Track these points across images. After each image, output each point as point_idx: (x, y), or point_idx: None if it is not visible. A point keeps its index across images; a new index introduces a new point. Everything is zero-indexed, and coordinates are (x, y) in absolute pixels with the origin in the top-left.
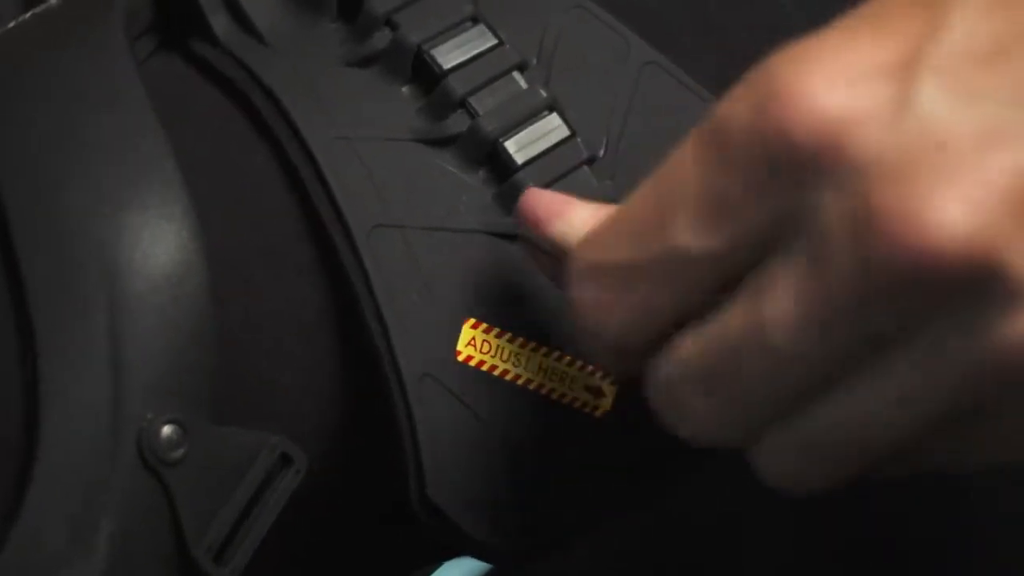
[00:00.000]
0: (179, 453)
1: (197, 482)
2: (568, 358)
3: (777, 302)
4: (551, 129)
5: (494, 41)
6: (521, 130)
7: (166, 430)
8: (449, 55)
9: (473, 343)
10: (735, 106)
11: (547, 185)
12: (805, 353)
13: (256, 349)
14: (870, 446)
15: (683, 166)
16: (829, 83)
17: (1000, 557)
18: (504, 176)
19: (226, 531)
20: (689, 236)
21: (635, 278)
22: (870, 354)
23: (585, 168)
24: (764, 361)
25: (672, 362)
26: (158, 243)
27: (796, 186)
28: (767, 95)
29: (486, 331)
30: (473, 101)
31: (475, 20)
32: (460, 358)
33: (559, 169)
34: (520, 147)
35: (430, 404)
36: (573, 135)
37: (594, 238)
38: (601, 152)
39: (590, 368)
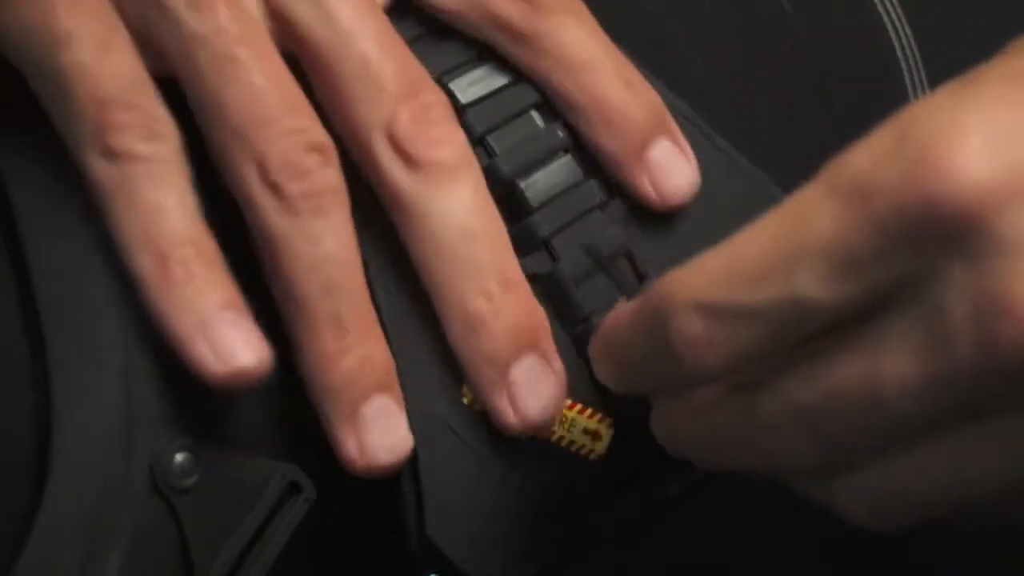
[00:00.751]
0: (190, 481)
1: (207, 510)
2: (569, 401)
3: (895, 362)
4: (566, 171)
5: (510, 77)
6: (537, 171)
7: (178, 458)
8: (468, 90)
9: None
10: (881, 164)
11: (561, 229)
12: (916, 412)
13: None
14: (960, 495)
15: (816, 217)
16: (982, 152)
17: (999, 557)
18: (518, 216)
19: (234, 559)
20: (816, 288)
21: (750, 321)
22: (979, 415)
23: (598, 212)
24: (873, 412)
25: (779, 403)
26: None
27: (931, 251)
28: (918, 158)
29: None
30: (491, 140)
31: (489, 54)
32: (466, 401)
33: (573, 212)
34: (535, 189)
35: (433, 443)
36: (588, 178)
37: (706, 277)
38: (615, 196)
39: (590, 411)
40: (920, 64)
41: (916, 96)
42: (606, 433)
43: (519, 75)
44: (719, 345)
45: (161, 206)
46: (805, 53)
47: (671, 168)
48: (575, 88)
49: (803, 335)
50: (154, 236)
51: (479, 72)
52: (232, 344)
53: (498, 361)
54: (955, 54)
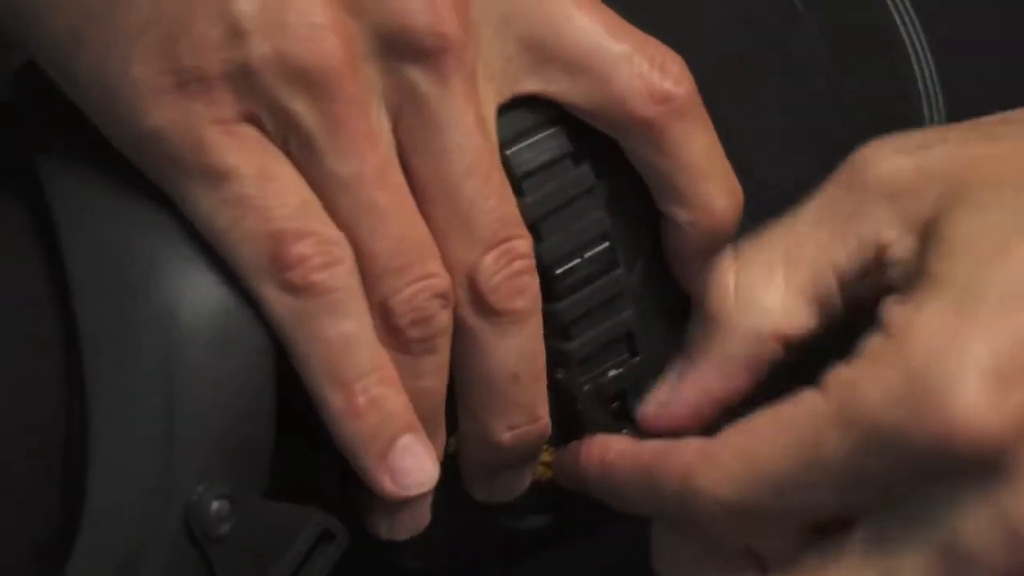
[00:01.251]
0: (225, 528)
1: (240, 557)
2: None
3: None
4: (602, 261)
5: (570, 147)
6: (575, 259)
7: (215, 505)
8: (527, 160)
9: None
10: (892, 404)
11: (583, 316)
12: None
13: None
14: None
15: (833, 445)
16: (987, 395)
17: None
18: (547, 297)
19: None
20: (830, 498)
21: (769, 517)
22: None
23: (620, 296)
24: None
25: None
26: (220, 310)
27: (942, 480)
28: (927, 403)
29: None
30: (542, 226)
31: (555, 122)
32: (450, 450)
33: (597, 300)
34: (571, 279)
35: None
36: (617, 264)
37: (729, 480)
38: (634, 270)
39: (549, 449)
40: (934, 71)
41: (928, 102)
42: None
43: (579, 148)
44: (739, 530)
45: (343, 337)
46: (817, 53)
47: None
48: (692, 192)
49: (818, 523)
50: (338, 369)
51: (541, 138)
52: (408, 472)
53: (499, 472)
54: (969, 63)
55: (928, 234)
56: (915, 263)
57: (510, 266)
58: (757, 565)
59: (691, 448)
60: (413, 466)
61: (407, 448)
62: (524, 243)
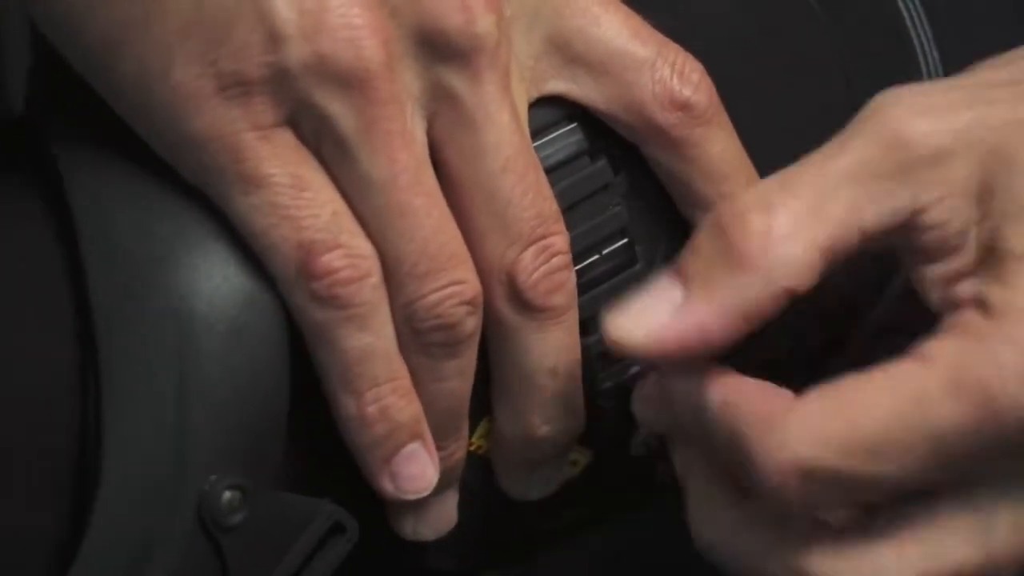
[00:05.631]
0: (237, 518)
1: (251, 547)
2: None
3: (1006, 541)
4: (620, 257)
5: (590, 144)
6: (593, 255)
7: (227, 495)
8: (550, 154)
9: (485, 435)
10: (1007, 377)
11: (595, 315)
12: None
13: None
14: None
15: (941, 413)
16: None
17: None
18: None
19: None
20: (928, 468)
21: (842, 486)
22: None
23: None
24: None
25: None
26: (234, 301)
27: None
28: None
29: None
30: (565, 217)
31: (571, 119)
32: (472, 448)
33: (614, 297)
34: (590, 275)
35: None
36: (636, 260)
37: (817, 437)
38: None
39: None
40: (939, 67)
41: None
42: (582, 460)
43: (596, 144)
44: (806, 494)
45: (361, 349)
46: (831, 50)
47: None
48: (712, 196)
49: (876, 498)
50: (352, 378)
51: (558, 135)
52: (408, 478)
53: (536, 467)
54: (974, 60)
55: (987, 204)
56: (969, 231)
57: (549, 263)
58: (805, 532)
59: (777, 399)
60: (415, 473)
61: (411, 455)
62: (561, 239)
